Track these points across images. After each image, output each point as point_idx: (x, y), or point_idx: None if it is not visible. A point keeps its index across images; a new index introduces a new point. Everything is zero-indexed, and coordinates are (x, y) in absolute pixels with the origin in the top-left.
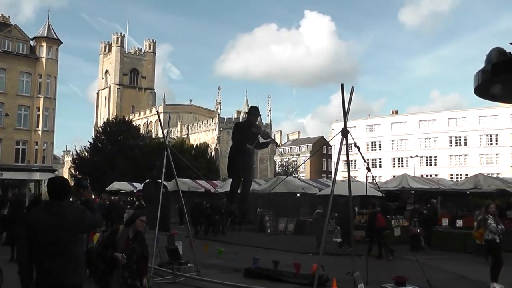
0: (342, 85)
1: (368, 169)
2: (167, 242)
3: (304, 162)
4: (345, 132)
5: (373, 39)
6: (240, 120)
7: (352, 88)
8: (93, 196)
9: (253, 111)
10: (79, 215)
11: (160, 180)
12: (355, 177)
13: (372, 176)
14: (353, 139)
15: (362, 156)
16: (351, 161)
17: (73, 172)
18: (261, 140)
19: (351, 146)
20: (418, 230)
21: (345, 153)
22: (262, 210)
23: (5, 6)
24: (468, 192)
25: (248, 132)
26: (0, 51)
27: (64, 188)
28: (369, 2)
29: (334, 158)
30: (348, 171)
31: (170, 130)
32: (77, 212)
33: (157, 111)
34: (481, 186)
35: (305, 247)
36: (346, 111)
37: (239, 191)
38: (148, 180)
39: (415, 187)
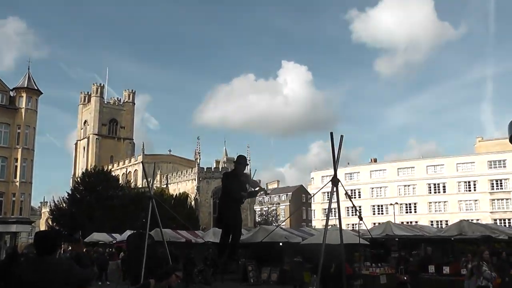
0: (331, 133)
1: (360, 218)
2: None
3: (291, 215)
4: (335, 181)
5: (350, 88)
6: (220, 170)
7: (341, 137)
8: (84, 250)
9: (241, 160)
10: (66, 270)
11: (144, 231)
12: (334, 224)
13: (364, 224)
14: (344, 188)
15: (353, 205)
16: (333, 209)
17: (51, 224)
18: (250, 189)
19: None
20: (405, 278)
21: (335, 200)
22: (245, 259)
23: None
24: (452, 239)
25: (237, 182)
26: None
27: (51, 242)
28: (345, 52)
29: (314, 206)
30: (340, 220)
31: (154, 181)
32: (64, 267)
33: (142, 162)
34: (465, 232)
35: None
36: (336, 159)
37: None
38: (133, 231)
39: (399, 234)
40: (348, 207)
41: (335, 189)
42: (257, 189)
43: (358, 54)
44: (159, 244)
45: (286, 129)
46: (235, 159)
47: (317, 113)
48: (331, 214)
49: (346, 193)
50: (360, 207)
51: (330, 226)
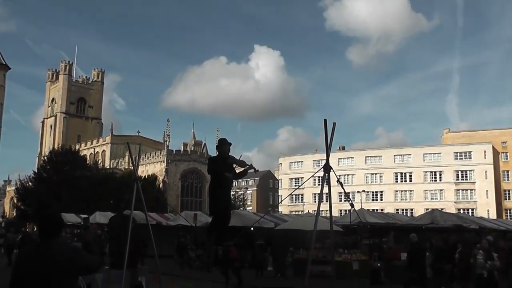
0: (325, 120)
1: (352, 205)
2: (130, 278)
3: (284, 199)
4: (327, 168)
5: (321, 76)
6: (189, 152)
7: (334, 124)
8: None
9: (223, 142)
10: (71, 256)
11: (127, 213)
12: (302, 211)
13: (355, 210)
14: (335, 174)
15: (345, 191)
16: (300, 195)
17: (15, 202)
18: (238, 170)
19: (299, 180)
20: (379, 265)
21: (328, 189)
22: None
23: None
24: (424, 227)
25: (223, 165)
26: None
27: (56, 225)
28: (318, 39)
29: (281, 192)
30: (330, 206)
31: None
32: (67, 252)
33: (127, 143)
34: (437, 221)
35: (262, 282)
36: (328, 145)
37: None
38: (114, 214)
39: (372, 221)
40: (314, 194)
41: (327, 175)
42: (246, 167)
43: (331, 42)
44: (141, 227)
45: (255, 114)
46: (217, 144)
47: (287, 99)
48: (301, 199)
49: (338, 180)
50: (327, 193)
51: (298, 212)
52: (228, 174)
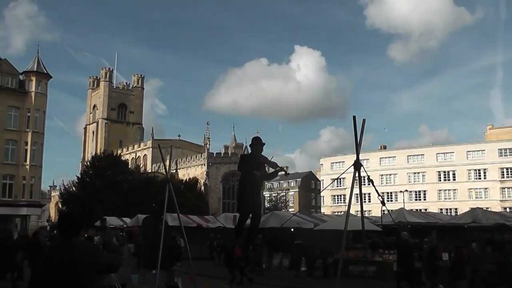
0: (354, 117)
1: (383, 203)
2: (166, 279)
3: (313, 198)
4: (357, 165)
5: (362, 75)
6: (229, 155)
7: (364, 120)
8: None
9: (256, 141)
10: (92, 254)
11: (161, 216)
12: (344, 211)
13: (387, 209)
14: (366, 172)
15: (376, 190)
16: (341, 195)
17: (60, 207)
18: (270, 170)
19: (343, 180)
20: (419, 265)
21: (358, 186)
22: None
23: None
24: (466, 226)
25: (255, 164)
26: None
27: (75, 224)
28: (359, 38)
29: (323, 193)
30: (361, 204)
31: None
32: (89, 251)
33: (158, 145)
34: (479, 220)
35: (300, 283)
36: (358, 143)
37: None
38: (146, 215)
39: (412, 221)
40: (356, 194)
41: (357, 173)
42: (277, 169)
43: (372, 40)
44: (173, 229)
45: (297, 115)
46: (250, 142)
47: (329, 99)
48: (343, 200)
49: (369, 178)
50: (369, 194)
51: (340, 213)
52: (257, 172)
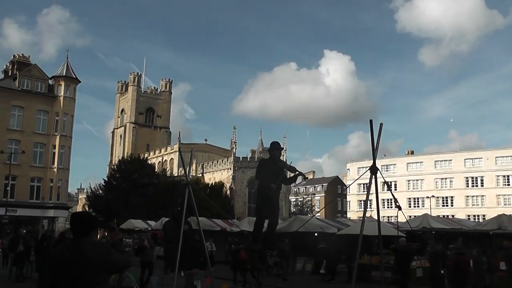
0: (371, 121)
1: (399, 208)
2: (186, 281)
3: (329, 203)
4: (374, 170)
5: (392, 79)
6: (256, 159)
7: (381, 125)
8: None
9: (275, 146)
10: (103, 253)
11: (182, 218)
12: (370, 216)
13: (404, 215)
14: (383, 177)
15: (393, 195)
16: (370, 200)
17: (87, 210)
18: (288, 174)
19: (372, 184)
20: (442, 272)
21: (375, 191)
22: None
23: (28, 45)
24: (491, 233)
25: (273, 168)
26: (19, 90)
27: (87, 224)
28: (389, 42)
29: (349, 198)
30: (378, 208)
31: (190, 168)
32: (100, 250)
33: (179, 148)
34: (505, 227)
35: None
36: (375, 147)
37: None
38: (168, 219)
39: (437, 227)
40: (384, 199)
41: (373, 178)
42: (296, 173)
43: (402, 44)
44: (196, 232)
45: (325, 120)
46: (269, 146)
47: (358, 104)
48: (369, 205)
49: (386, 182)
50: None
51: (367, 217)
52: (273, 185)
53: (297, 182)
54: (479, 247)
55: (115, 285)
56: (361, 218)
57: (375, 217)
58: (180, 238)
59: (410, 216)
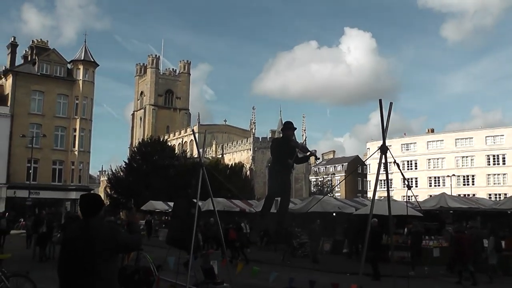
0: (380, 101)
1: (409, 187)
2: (202, 261)
3: (340, 182)
4: (384, 149)
5: (414, 56)
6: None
7: (391, 104)
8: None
9: (288, 126)
10: (110, 233)
11: (195, 200)
12: (392, 196)
13: (413, 195)
14: (392, 156)
15: (402, 174)
16: (383, 180)
17: (109, 192)
18: (300, 154)
19: (389, 164)
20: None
21: (384, 171)
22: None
23: (47, 29)
24: (509, 212)
25: (286, 148)
26: (38, 75)
27: (93, 205)
28: (411, 18)
29: (369, 177)
30: (388, 189)
31: (205, 149)
32: (108, 230)
33: (192, 130)
34: None
35: (342, 267)
36: (384, 127)
37: (275, 210)
38: (179, 198)
39: (454, 206)
40: (411, 178)
41: (383, 158)
42: (308, 154)
43: (424, 19)
44: (207, 213)
45: (347, 98)
46: (282, 126)
47: (380, 82)
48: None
49: (395, 162)
50: (416, 178)
51: (382, 197)
52: (290, 160)
53: (317, 162)
54: (497, 226)
55: (132, 265)
56: (381, 197)
57: (396, 197)
58: (195, 220)
59: (430, 195)
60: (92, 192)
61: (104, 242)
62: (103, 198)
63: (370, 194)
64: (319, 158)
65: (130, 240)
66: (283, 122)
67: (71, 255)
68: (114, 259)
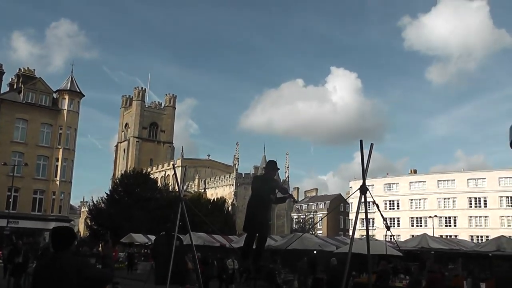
0: (361, 141)
1: (387, 228)
2: None
3: (321, 219)
4: (363, 189)
5: (399, 97)
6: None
7: (371, 145)
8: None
9: (271, 166)
10: (77, 268)
11: (173, 233)
12: (373, 235)
13: (391, 235)
14: (372, 196)
15: (381, 214)
16: (370, 219)
17: (89, 223)
18: (279, 195)
19: (370, 204)
20: None
21: (363, 210)
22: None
23: (36, 57)
24: (490, 255)
25: (266, 186)
26: (23, 103)
27: (64, 238)
28: (397, 60)
29: (351, 216)
30: (367, 229)
31: (187, 184)
32: (75, 264)
33: (173, 164)
34: (504, 248)
35: None
36: (365, 168)
37: (254, 247)
38: (161, 233)
39: (435, 247)
40: (386, 218)
41: (363, 198)
42: (286, 195)
43: (410, 62)
44: (187, 248)
45: (332, 137)
46: (266, 164)
47: (364, 122)
48: (371, 223)
49: (374, 202)
50: (398, 218)
51: (363, 236)
52: (272, 196)
53: (299, 200)
54: (478, 268)
55: None
56: (362, 236)
57: (378, 236)
58: (172, 254)
59: (412, 235)
60: (70, 223)
61: (71, 276)
62: (83, 229)
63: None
64: (296, 201)
65: (100, 275)
66: (268, 161)
67: None
68: None
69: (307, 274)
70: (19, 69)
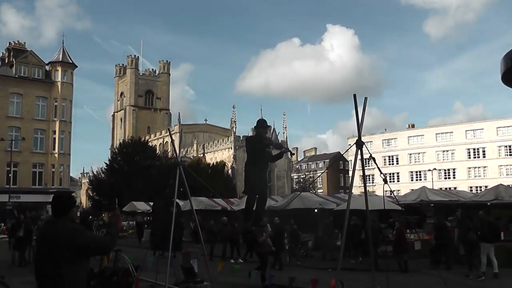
0: (354, 95)
1: (385, 181)
2: (182, 260)
3: (319, 176)
4: (359, 144)
5: (397, 52)
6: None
7: (365, 99)
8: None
9: (262, 123)
10: (71, 234)
11: (173, 199)
12: (373, 191)
13: (390, 189)
14: (368, 151)
15: (379, 168)
16: (369, 175)
17: (91, 194)
18: (274, 152)
19: (368, 160)
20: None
21: (361, 166)
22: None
23: (27, 30)
24: (489, 204)
25: (259, 145)
26: (16, 77)
27: (62, 204)
28: (393, 14)
29: (351, 173)
30: (364, 184)
31: (186, 149)
32: (69, 231)
33: (168, 129)
34: (502, 197)
35: (323, 263)
36: (360, 122)
37: (254, 208)
38: (156, 201)
39: (434, 200)
40: (385, 173)
41: (359, 153)
42: (282, 150)
43: (407, 16)
44: (186, 213)
45: (330, 95)
46: (255, 124)
47: (362, 79)
48: (371, 180)
49: (371, 156)
50: (398, 173)
51: (362, 192)
52: (268, 150)
53: (299, 159)
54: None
55: (110, 267)
56: (362, 193)
57: (378, 192)
58: (173, 219)
59: (412, 190)
60: (73, 194)
61: (66, 243)
62: (85, 201)
63: (353, 190)
64: (293, 154)
65: (98, 243)
66: (257, 120)
67: (38, 256)
68: (80, 261)
69: (333, 233)
70: (9, 42)
